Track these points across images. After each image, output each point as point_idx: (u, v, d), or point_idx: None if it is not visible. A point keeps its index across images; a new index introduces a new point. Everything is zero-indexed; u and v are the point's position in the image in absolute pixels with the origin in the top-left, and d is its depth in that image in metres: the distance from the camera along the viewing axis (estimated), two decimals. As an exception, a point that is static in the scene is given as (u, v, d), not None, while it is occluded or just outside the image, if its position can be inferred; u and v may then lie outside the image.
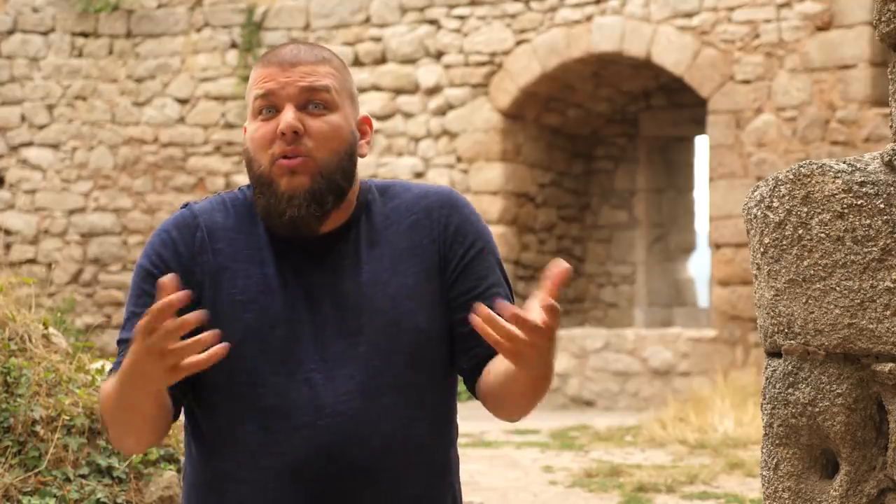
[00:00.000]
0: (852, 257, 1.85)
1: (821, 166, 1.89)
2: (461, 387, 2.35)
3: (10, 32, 15.42)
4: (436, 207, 2.27)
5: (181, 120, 15.11)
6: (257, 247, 2.22)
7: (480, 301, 2.18)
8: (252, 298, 2.17)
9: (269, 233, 2.23)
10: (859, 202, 1.85)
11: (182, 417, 2.28)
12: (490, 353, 2.18)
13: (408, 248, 2.24)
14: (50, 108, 15.34)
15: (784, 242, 1.92)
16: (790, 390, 1.92)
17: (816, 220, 1.88)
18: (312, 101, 2.19)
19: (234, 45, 14.96)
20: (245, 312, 2.17)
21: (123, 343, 2.18)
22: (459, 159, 14.12)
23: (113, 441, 2.22)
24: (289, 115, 2.16)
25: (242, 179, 14.80)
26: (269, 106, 2.18)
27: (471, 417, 6.38)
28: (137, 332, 1.92)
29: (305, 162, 2.16)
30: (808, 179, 1.89)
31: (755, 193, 1.97)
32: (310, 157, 2.16)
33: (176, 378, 1.96)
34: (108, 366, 5.10)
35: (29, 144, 15.37)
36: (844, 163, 1.88)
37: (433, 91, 14.20)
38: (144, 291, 2.19)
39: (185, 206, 2.27)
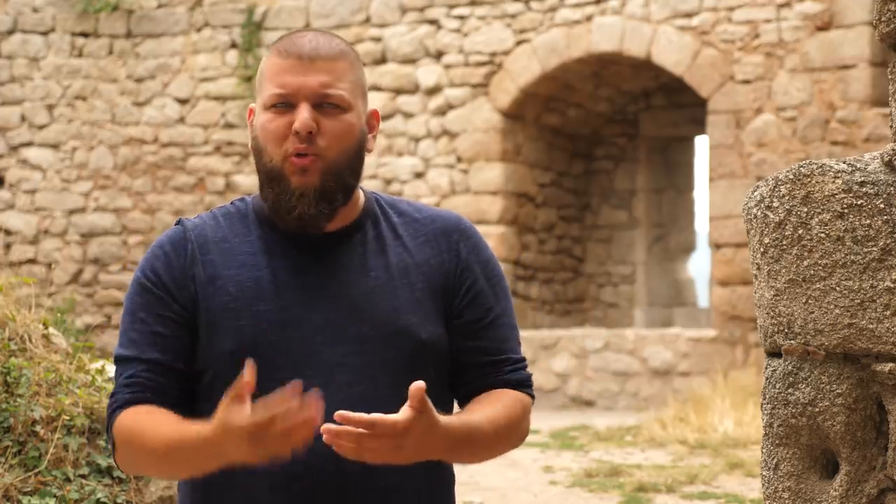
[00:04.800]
0: (852, 257, 1.85)
1: (821, 166, 1.89)
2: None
3: (10, 32, 15.42)
4: (446, 233, 2.29)
5: (181, 120, 15.11)
6: (251, 252, 2.21)
7: (486, 331, 2.25)
8: (245, 305, 2.16)
9: (266, 235, 2.22)
10: (859, 202, 1.85)
11: None
12: (479, 389, 2.25)
13: (415, 263, 2.24)
14: (50, 108, 15.34)
15: (784, 242, 1.92)
16: (790, 390, 1.92)
17: (816, 220, 1.88)
18: (328, 100, 2.19)
19: (234, 45, 14.96)
20: (238, 320, 2.16)
21: (133, 361, 2.18)
22: (459, 159, 14.11)
23: (132, 469, 2.27)
24: (304, 115, 2.15)
25: (242, 179, 14.80)
26: (285, 101, 2.17)
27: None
28: (249, 433, 1.93)
29: (315, 161, 2.16)
30: (808, 179, 1.89)
31: (755, 193, 1.97)
32: (319, 157, 2.16)
33: (263, 459, 1.98)
34: (108, 365, 5.10)
35: (29, 144, 15.36)
36: (844, 163, 1.88)
37: (433, 91, 14.19)
38: (143, 307, 2.20)
39: (178, 222, 2.27)
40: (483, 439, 2.17)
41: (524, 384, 2.28)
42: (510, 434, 2.23)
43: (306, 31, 2.25)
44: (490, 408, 2.20)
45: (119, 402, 2.17)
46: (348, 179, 2.20)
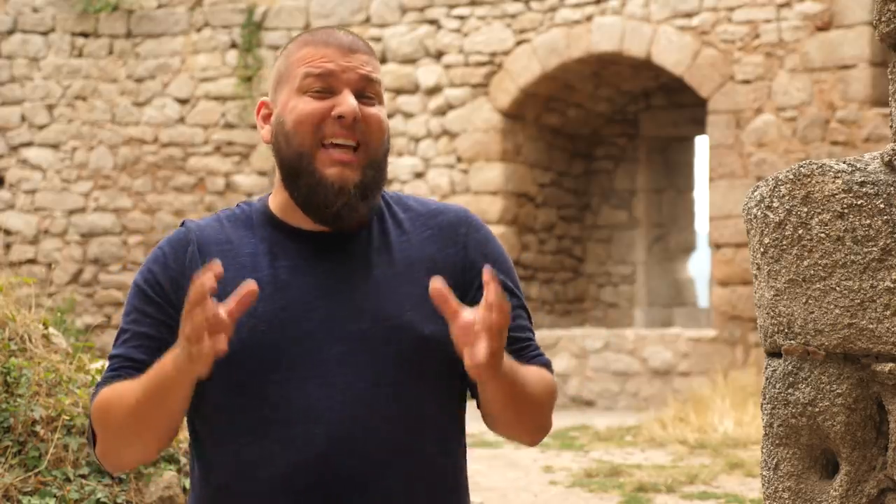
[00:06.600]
0: (852, 257, 1.85)
1: (821, 166, 1.89)
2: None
3: (10, 32, 15.42)
4: (453, 226, 2.23)
5: (181, 120, 15.11)
6: (252, 254, 2.17)
7: None
8: None
9: (270, 236, 2.19)
10: (859, 202, 1.85)
11: (187, 432, 2.24)
12: None
13: (420, 259, 2.19)
14: (50, 108, 15.34)
15: (784, 242, 1.92)
16: (790, 390, 1.92)
17: (816, 220, 1.88)
18: (367, 91, 2.17)
19: (234, 45, 14.96)
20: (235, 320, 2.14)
21: (116, 358, 2.17)
22: (459, 159, 14.11)
23: (108, 454, 2.15)
24: (352, 100, 2.13)
25: (242, 179, 14.79)
26: (325, 86, 2.14)
27: (470, 418, 6.35)
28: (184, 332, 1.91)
29: (357, 157, 2.13)
30: (808, 179, 1.89)
31: (755, 193, 1.97)
32: (362, 149, 2.14)
33: (208, 362, 1.93)
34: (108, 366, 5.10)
35: (29, 144, 15.37)
36: (844, 163, 1.88)
37: (433, 91, 14.20)
38: (136, 308, 2.18)
39: (182, 224, 2.24)
40: (525, 382, 2.10)
41: (549, 367, 2.23)
42: (547, 398, 2.17)
43: (335, 28, 2.24)
44: (525, 370, 2.14)
45: (94, 394, 2.16)
46: (382, 175, 2.18)
